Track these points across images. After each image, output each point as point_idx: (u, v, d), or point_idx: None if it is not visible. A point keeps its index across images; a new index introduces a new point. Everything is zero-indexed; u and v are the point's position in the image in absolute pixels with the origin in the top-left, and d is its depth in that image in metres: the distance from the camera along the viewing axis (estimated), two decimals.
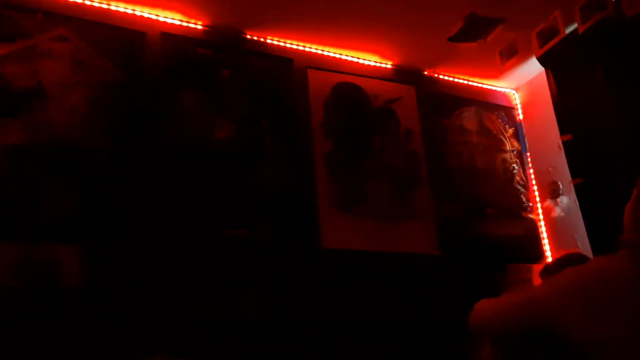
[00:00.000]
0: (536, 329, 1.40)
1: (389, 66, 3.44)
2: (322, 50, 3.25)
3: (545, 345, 1.42)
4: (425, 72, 3.53)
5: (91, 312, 2.20)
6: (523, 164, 3.62)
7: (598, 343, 1.27)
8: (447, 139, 3.47)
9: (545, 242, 3.46)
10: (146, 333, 2.24)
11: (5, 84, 2.39)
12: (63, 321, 2.15)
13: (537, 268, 3.35)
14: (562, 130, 3.17)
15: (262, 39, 3.09)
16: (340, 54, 3.30)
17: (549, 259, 3.40)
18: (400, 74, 3.46)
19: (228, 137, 2.81)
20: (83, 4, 2.70)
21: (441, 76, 3.60)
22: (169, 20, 2.89)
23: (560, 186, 3.38)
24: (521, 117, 3.75)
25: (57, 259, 2.24)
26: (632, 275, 1.32)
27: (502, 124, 3.66)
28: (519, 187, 3.55)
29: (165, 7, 2.84)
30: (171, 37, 2.85)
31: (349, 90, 3.25)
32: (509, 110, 3.74)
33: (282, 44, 3.14)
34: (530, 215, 3.51)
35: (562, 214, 3.36)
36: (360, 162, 3.12)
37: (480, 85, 3.72)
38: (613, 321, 1.28)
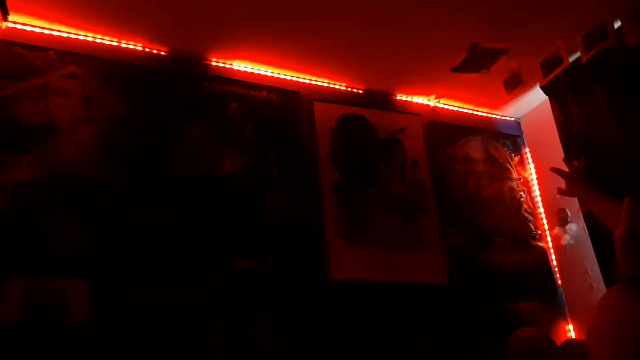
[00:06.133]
0: None
1: (394, 97, 3.48)
2: (329, 83, 3.29)
3: None
4: (430, 103, 3.57)
5: (99, 347, 2.19)
6: (530, 192, 3.62)
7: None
8: (452, 168, 3.47)
9: (555, 269, 3.43)
10: None
11: (16, 120, 2.42)
12: (70, 357, 2.14)
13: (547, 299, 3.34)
14: (568, 157, 3.16)
15: (269, 73, 3.14)
16: (346, 86, 3.34)
17: (560, 286, 3.38)
18: (405, 105, 3.50)
19: (235, 169, 2.83)
20: (94, 42, 2.75)
21: (446, 106, 3.63)
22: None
23: (569, 213, 3.36)
24: (527, 145, 3.77)
25: (66, 294, 2.23)
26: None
27: (507, 152, 3.68)
28: (526, 215, 3.54)
29: (173, 44, 2.90)
30: (179, 72, 2.90)
31: (355, 121, 3.28)
32: (514, 138, 3.76)
33: (288, 77, 3.18)
34: (539, 243, 3.49)
35: (572, 242, 3.33)
36: (367, 191, 3.13)
37: (484, 114, 3.75)
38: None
